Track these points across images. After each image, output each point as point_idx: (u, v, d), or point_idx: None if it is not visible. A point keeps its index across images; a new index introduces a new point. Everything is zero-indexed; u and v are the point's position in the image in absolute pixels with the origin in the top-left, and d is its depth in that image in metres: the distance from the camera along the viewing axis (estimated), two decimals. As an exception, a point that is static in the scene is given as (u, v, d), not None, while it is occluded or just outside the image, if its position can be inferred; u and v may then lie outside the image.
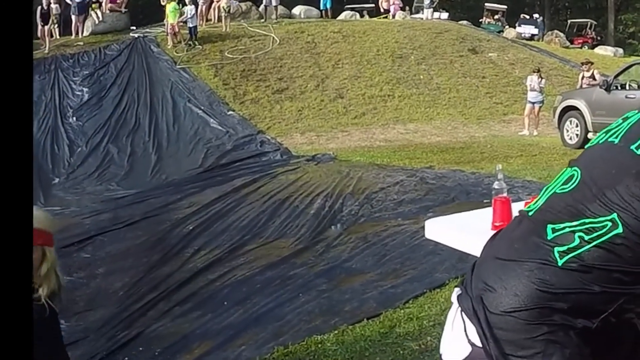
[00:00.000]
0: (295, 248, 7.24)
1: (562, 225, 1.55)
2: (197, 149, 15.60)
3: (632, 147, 1.52)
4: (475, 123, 20.12)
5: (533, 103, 18.09)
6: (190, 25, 23.51)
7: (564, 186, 1.64)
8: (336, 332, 4.79)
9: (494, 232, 3.20)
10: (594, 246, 1.49)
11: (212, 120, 17.57)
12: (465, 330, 1.62)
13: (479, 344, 1.58)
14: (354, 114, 20.27)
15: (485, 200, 3.36)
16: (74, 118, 17.68)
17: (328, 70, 22.77)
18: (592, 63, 19.23)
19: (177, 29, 23.25)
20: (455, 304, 1.70)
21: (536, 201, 1.73)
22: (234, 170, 13.07)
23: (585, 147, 1.77)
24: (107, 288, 6.37)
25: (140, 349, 5.00)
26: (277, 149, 15.43)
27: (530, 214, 1.69)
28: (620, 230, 1.46)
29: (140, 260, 7.13)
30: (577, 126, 14.76)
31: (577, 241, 1.51)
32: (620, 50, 36.47)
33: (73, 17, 24.44)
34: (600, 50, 35.63)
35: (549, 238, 1.56)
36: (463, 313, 1.64)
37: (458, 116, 20.80)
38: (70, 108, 18.27)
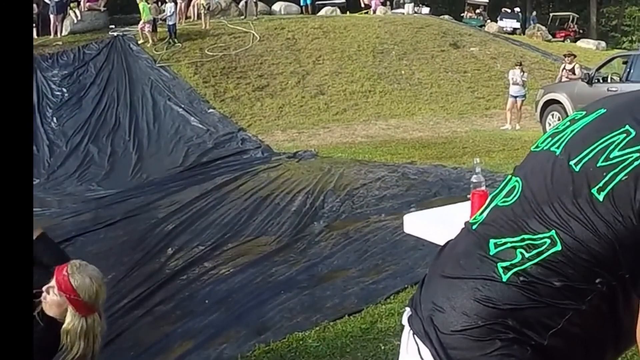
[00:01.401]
0: (277, 245, 7.21)
1: (503, 241, 1.52)
2: (178, 147, 15.54)
3: (571, 162, 1.48)
4: (457, 118, 20.15)
5: (515, 97, 18.12)
6: (170, 23, 23.43)
7: (506, 199, 1.61)
8: (317, 328, 4.77)
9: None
10: (535, 263, 1.46)
11: (192, 118, 17.51)
12: (419, 353, 1.59)
13: None
14: (335, 110, 20.26)
15: (468, 196, 3.35)
16: (54, 118, 17.56)
17: (309, 66, 22.76)
18: (574, 56, 19.31)
19: (147, 28, 23.18)
20: (407, 327, 1.67)
21: (481, 212, 1.70)
22: (215, 169, 13.03)
23: (531, 149, 1.72)
24: (88, 288, 6.31)
25: (122, 348, 4.96)
26: (258, 146, 15.41)
27: (474, 227, 1.66)
28: (559, 247, 1.43)
29: (121, 260, 7.07)
30: (559, 120, 14.81)
31: (518, 257, 1.48)
32: (603, 44, 36.67)
33: (51, 16, 24.28)
34: (582, 43, 35.83)
35: (491, 253, 1.53)
36: (415, 336, 1.61)
37: (440, 111, 20.83)
38: (49, 108, 18.15)
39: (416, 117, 20.12)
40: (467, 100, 21.95)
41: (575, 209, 1.42)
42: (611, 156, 1.41)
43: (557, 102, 15.11)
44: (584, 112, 1.64)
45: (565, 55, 19.71)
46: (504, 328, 1.47)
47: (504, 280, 1.48)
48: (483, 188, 3.35)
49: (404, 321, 1.70)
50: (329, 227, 7.77)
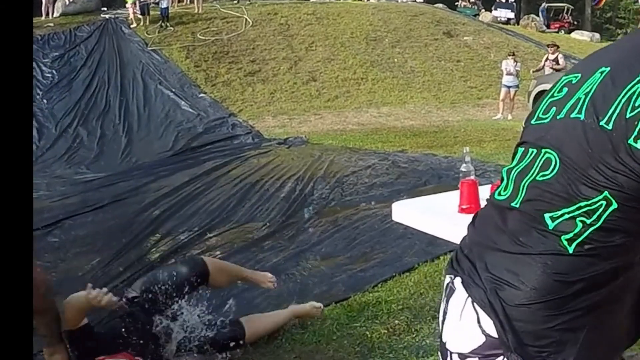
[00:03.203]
0: (265, 232, 7.18)
1: (559, 213, 1.53)
2: (168, 131, 15.48)
3: (602, 123, 1.49)
4: (449, 107, 20.15)
5: (509, 87, 18.11)
6: (162, 6, 23.35)
7: (544, 172, 1.60)
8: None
9: (461, 214, 3.18)
10: (596, 228, 1.48)
11: (183, 102, 17.45)
12: (478, 321, 1.62)
13: (494, 334, 1.58)
14: (327, 97, 20.23)
15: (458, 185, 3.33)
16: (44, 100, 17.48)
17: (301, 52, 22.70)
18: (557, 46, 19.35)
19: (132, 10, 23.22)
20: (464, 293, 1.68)
21: (507, 189, 1.69)
22: (204, 154, 12.98)
23: (532, 123, 1.73)
24: (75, 272, 6.26)
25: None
26: (249, 132, 15.37)
27: (515, 205, 1.65)
28: (615, 206, 1.46)
29: (109, 243, 7.03)
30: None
31: (579, 226, 1.50)
32: (597, 35, 36.69)
33: (43, -2, 24.18)
34: (576, 35, 35.84)
35: (550, 228, 1.54)
36: (475, 304, 1.63)
37: (432, 100, 20.82)
38: (39, 90, 18.06)
39: (408, 105, 20.10)
40: (459, 90, 21.94)
41: (619, 164, 1.44)
42: (636, 104, 1.43)
43: (550, 92, 15.09)
44: (579, 75, 1.65)
45: (548, 45, 19.77)
46: (569, 300, 1.52)
47: (571, 251, 1.51)
48: (472, 177, 3.33)
49: (457, 286, 1.71)
50: (318, 214, 7.74)
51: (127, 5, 23.60)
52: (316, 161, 10.84)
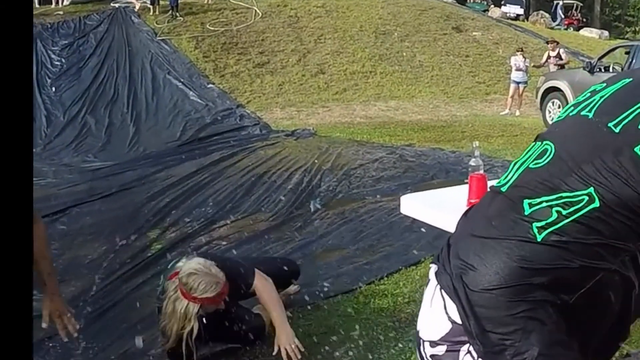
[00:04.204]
0: (272, 223, 7.19)
1: (538, 200, 1.55)
2: (176, 121, 15.49)
3: (610, 124, 1.51)
4: (457, 102, 20.12)
5: (518, 83, 18.06)
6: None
7: (538, 161, 1.63)
8: (310, 307, 4.76)
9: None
10: (572, 221, 1.49)
11: (191, 93, 17.45)
12: (445, 308, 1.62)
13: (459, 321, 1.58)
14: (335, 90, 20.22)
15: (465, 180, 3.34)
16: (52, 88, 17.50)
17: (310, 45, 22.68)
18: (557, 42, 19.34)
19: None
20: (434, 281, 1.69)
21: (506, 176, 1.72)
22: (212, 144, 12.99)
23: (554, 121, 1.75)
24: (82, 259, 6.29)
25: (114, 321, 4.95)
26: (257, 123, 15.37)
27: (503, 189, 1.67)
28: (597, 204, 1.47)
29: (116, 232, 7.05)
30: (559, 107, 14.82)
31: (554, 216, 1.51)
32: (606, 33, 36.51)
33: (53, -14, 24.21)
34: (585, 32, 35.68)
35: (526, 214, 1.55)
36: (442, 291, 1.63)
37: (440, 94, 20.79)
38: (48, 78, 18.10)
39: (416, 99, 20.08)
40: (467, 85, 21.90)
41: (617, 166, 1.46)
42: None
43: (558, 89, 15.07)
44: (604, 84, 1.67)
45: (547, 42, 19.73)
46: (534, 289, 1.50)
47: (539, 239, 1.51)
48: (481, 172, 3.34)
49: (431, 275, 1.72)
50: (325, 207, 7.75)
51: None
52: (323, 153, 10.84)
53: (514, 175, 1.68)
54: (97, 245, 6.62)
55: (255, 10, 24.20)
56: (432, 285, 1.69)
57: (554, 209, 1.51)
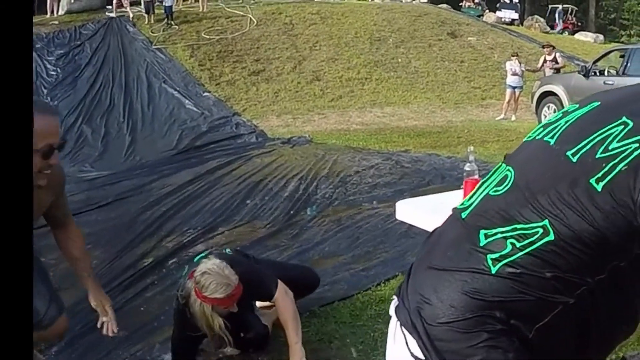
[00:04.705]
0: (269, 230, 7.19)
1: (494, 231, 1.51)
2: (172, 130, 15.50)
3: (568, 153, 1.47)
4: (452, 107, 20.14)
5: (514, 88, 18.08)
6: (167, 5, 23.38)
7: (497, 188, 1.60)
8: (307, 313, 4.75)
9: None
10: (526, 253, 1.45)
11: (187, 101, 17.48)
12: (406, 344, 1.59)
13: (421, 356, 1.55)
14: (331, 97, 20.24)
15: (462, 185, 3.36)
16: (48, 98, 17.50)
17: (305, 52, 22.71)
18: (553, 47, 19.39)
19: (119, 3, 23.53)
20: (395, 317, 1.67)
21: (470, 198, 1.69)
22: (208, 152, 13.00)
23: (524, 139, 1.71)
24: (78, 269, 6.28)
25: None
26: (253, 131, 15.38)
27: (463, 215, 1.64)
28: (551, 237, 1.43)
29: (113, 241, 7.04)
30: (555, 112, 14.75)
31: (509, 248, 1.47)
32: (601, 37, 36.58)
33: (48, -5, 24.22)
34: (580, 36, 35.75)
35: (481, 245, 1.52)
36: (402, 327, 1.61)
37: (435, 100, 20.81)
38: (44, 88, 18.11)
39: (412, 105, 20.10)
40: (463, 90, 21.92)
41: (572, 198, 1.42)
42: (610, 147, 1.41)
43: (554, 94, 15.11)
44: (577, 105, 1.63)
45: (543, 47, 19.79)
46: (492, 320, 1.46)
47: (493, 272, 1.48)
48: (476, 176, 3.35)
49: (392, 312, 1.70)
50: (321, 214, 7.75)
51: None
52: (320, 161, 10.85)
53: (475, 200, 1.65)
54: (93, 255, 6.60)
55: (250, 18, 24.23)
56: (393, 321, 1.68)
57: (509, 240, 1.48)
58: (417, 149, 12.23)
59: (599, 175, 1.40)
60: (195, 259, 4.15)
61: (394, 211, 3.76)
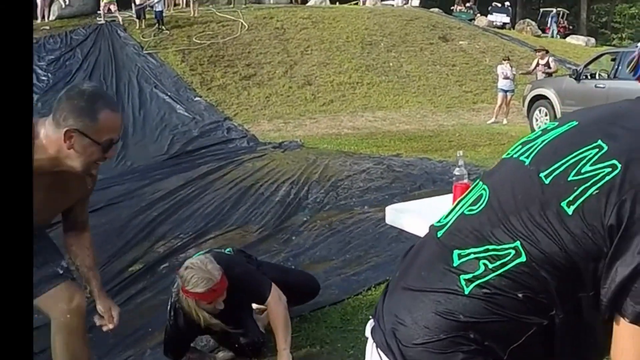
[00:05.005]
0: (260, 235, 7.19)
1: (467, 251, 1.50)
2: (163, 135, 15.47)
3: (541, 174, 1.46)
4: (444, 111, 20.18)
5: (505, 91, 18.12)
6: (157, 10, 23.37)
7: (472, 207, 1.59)
8: (298, 318, 4.75)
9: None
10: (498, 275, 1.44)
11: (178, 106, 17.47)
12: None
13: None
14: (322, 101, 20.25)
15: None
16: (39, 104, 17.44)
17: (297, 56, 22.73)
18: (547, 51, 19.45)
19: (112, 8, 23.52)
20: (371, 339, 1.66)
21: (447, 216, 1.68)
22: (200, 157, 12.98)
23: (503, 156, 1.69)
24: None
25: (102, 335, 4.92)
26: (244, 135, 15.37)
27: (439, 233, 1.63)
28: (523, 259, 1.42)
29: (104, 246, 7.02)
30: (546, 115, 14.89)
31: (482, 269, 1.46)
32: (592, 40, 36.74)
33: (39, 0, 24.14)
34: (572, 39, 35.90)
35: (454, 265, 1.51)
36: (378, 348, 1.60)
37: (427, 104, 20.85)
38: (35, 94, 18.04)
39: (403, 109, 20.13)
40: (454, 94, 21.97)
41: (543, 221, 1.41)
42: (582, 171, 1.40)
43: (545, 97, 15.15)
44: (556, 123, 1.62)
45: (536, 51, 19.84)
46: (466, 340, 1.46)
47: (466, 292, 1.47)
48: (465, 181, 3.35)
49: (368, 333, 1.69)
50: (312, 218, 7.75)
51: (103, 4, 23.93)
52: (311, 165, 10.85)
53: (451, 218, 1.64)
54: (84, 260, 6.59)
55: (242, 23, 24.24)
56: (370, 343, 1.67)
57: (481, 261, 1.47)
58: (409, 153, 12.25)
59: (570, 198, 1.39)
60: (195, 255, 4.16)
61: (385, 216, 3.77)
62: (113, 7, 23.81)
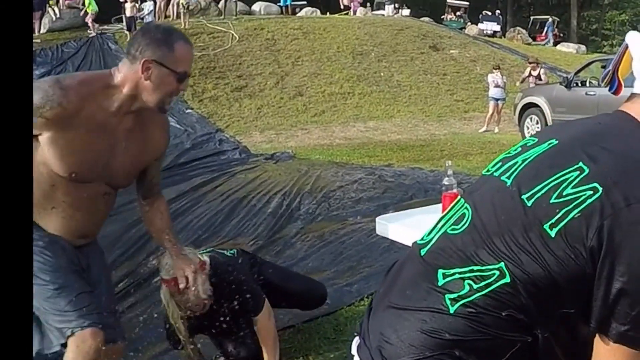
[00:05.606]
0: (253, 247, 7.16)
1: (452, 271, 1.52)
2: (155, 147, 15.43)
3: (524, 196, 1.48)
4: (435, 120, 20.22)
5: (497, 100, 18.18)
6: (147, 22, 23.39)
7: (455, 227, 1.61)
8: (291, 329, 4.76)
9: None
10: (483, 295, 1.46)
11: (170, 118, 17.32)
12: None
13: None
14: (314, 112, 20.28)
15: (444, 201, 3.38)
16: (31, 117, 17.45)
17: (288, 67, 22.76)
18: (538, 63, 19.54)
19: (90, 18, 23.61)
20: (357, 357, 1.68)
21: (430, 233, 1.70)
22: (192, 169, 12.95)
23: (483, 172, 1.71)
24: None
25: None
26: (236, 147, 15.35)
27: (422, 252, 1.65)
28: (507, 279, 1.44)
29: (95, 261, 7.01)
30: (537, 123, 14.94)
31: (466, 288, 1.48)
32: (583, 47, 36.91)
33: (30, 14, 24.15)
34: (562, 47, 36.06)
35: (439, 284, 1.53)
36: None
37: (418, 114, 20.89)
38: (27, 107, 18.02)
39: (395, 119, 20.17)
40: (446, 103, 22.02)
41: (526, 242, 1.43)
42: (564, 193, 1.42)
43: (536, 105, 15.20)
44: (536, 140, 1.64)
45: (529, 62, 19.89)
46: (451, 358, 1.47)
47: (452, 312, 1.48)
48: (454, 190, 3.36)
49: (353, 351, 1.70)
50: (304, 229, 7.75)
51: (88, 16, 23.99)
52: (303, 176, 10.84)
53: (434, 236, 1.66)
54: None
55: (232, 34, 24.27)
56: None
57: (466, 281, 1.49)
58: (401, 163, 12.26)
59: (553, 221, 1.41)
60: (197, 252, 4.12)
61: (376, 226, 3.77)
62: (89, 20, 23.96)
